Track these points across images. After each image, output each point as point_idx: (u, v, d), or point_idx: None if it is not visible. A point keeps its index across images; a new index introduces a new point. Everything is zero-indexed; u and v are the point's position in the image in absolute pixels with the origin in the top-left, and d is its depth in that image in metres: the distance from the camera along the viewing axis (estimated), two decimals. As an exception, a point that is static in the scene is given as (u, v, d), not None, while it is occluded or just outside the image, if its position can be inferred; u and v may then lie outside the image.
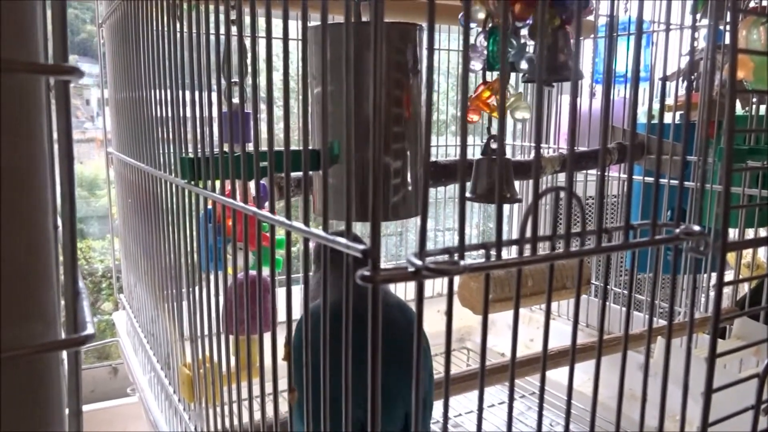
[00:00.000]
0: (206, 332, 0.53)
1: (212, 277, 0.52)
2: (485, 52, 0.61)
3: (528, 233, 0.32)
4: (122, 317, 1.05)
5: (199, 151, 0.50)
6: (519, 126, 1.29)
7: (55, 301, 0.28)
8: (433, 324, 0.51)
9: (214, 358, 0.52)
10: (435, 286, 1.23)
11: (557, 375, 0.69)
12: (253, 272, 0.60)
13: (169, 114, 0.57)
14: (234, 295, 0.50)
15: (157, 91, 0.60)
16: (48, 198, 0.29)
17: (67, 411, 0.28)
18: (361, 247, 0.27)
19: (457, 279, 0.98)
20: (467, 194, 0.62)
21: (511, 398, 0.36)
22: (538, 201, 0.31)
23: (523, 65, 0.62)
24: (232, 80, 0.48)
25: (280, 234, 0.43)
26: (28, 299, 0.27)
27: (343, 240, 0.28)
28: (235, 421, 0.48)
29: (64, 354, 0.33)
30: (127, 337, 0.99)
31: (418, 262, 0.27)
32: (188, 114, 0.52)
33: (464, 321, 1.25)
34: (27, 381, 0.26)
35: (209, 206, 0.51)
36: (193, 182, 0.50)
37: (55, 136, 0.30)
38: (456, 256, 0.28)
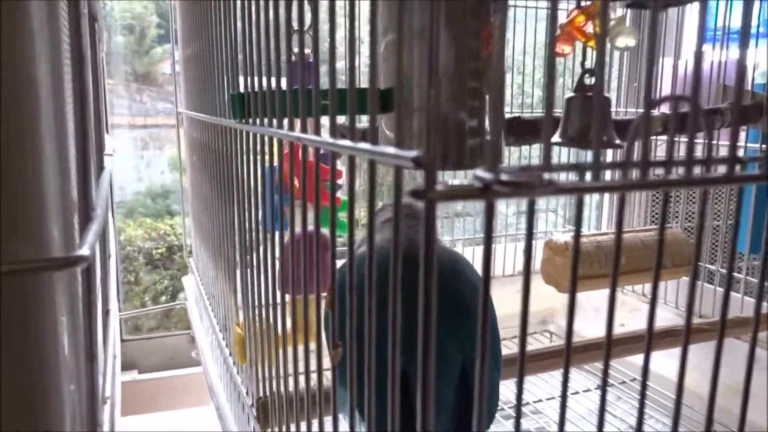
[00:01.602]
0: (260, 292, 0.49)
1: (272, 237, 0.48)
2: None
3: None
4: (191, 281, 1.04)
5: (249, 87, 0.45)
6: (614, 85, 1.16)
7: (51, 223, 0.24)
8: (508, 305, 0.43)
9: (265, 318, 0.48)
10: (516, 262, 1.14)
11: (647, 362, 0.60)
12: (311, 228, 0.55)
13: (228, 60, 0.53)
14: (291, 254, 0.46)
15: (222, 40, 0.56)
16: (47, 111, 0.25)
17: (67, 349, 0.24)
18: (412, 153, 0.21)
19: (539, 250, 0.89)
20: (556, 138, 0.54)
21: (605, 384, 0.28)
22: (651, 110, 0.24)
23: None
24: (296, 29, 0.45)
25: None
26: (17, 219, 0.23)
27: (391, 150, 0.22)
28: (282, 388, 0.43)
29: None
30: (194, 302, 0.98)
31: (489, 176, 0.20)
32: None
33: (546, 302, 1.16)
34: (13, 305, 0.22)
35: (275, 164, 0.47)
36: (243, 120, 0.46)
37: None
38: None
